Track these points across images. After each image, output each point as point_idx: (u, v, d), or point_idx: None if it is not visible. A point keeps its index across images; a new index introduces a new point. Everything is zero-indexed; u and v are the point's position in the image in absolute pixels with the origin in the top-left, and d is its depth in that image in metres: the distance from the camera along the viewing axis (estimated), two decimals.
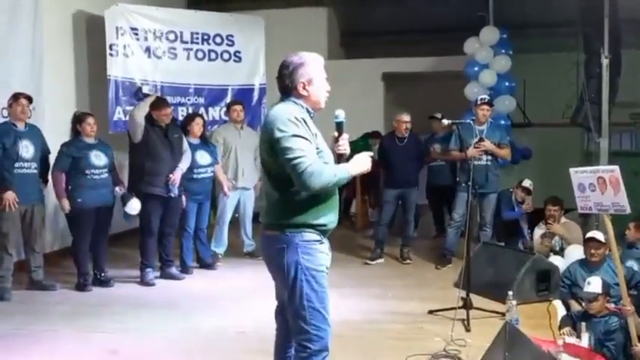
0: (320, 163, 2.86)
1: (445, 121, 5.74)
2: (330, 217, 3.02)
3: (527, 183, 7.70)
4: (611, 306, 4.65)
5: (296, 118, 2.88)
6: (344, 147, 3.06)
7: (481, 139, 6.67)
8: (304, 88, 3.02)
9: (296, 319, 2.97)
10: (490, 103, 7.00)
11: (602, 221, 4.52)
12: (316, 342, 2.94)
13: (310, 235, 2.95)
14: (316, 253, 2.97)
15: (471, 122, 6.65)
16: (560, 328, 4.78)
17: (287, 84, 3.04)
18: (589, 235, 5.40)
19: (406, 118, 7.25)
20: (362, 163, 3.03)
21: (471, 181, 5.61)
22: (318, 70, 3.06)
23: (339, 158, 3.09)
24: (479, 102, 6.99)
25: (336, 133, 3.10)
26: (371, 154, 3.13)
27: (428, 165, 8.66)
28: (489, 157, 6.84)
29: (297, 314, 2.96)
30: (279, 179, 2.95)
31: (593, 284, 4.57)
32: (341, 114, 3.10)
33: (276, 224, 2.98)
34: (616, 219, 4.23)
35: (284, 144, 2.83)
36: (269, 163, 2.99)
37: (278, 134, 2.85)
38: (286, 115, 2.89)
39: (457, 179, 7.04)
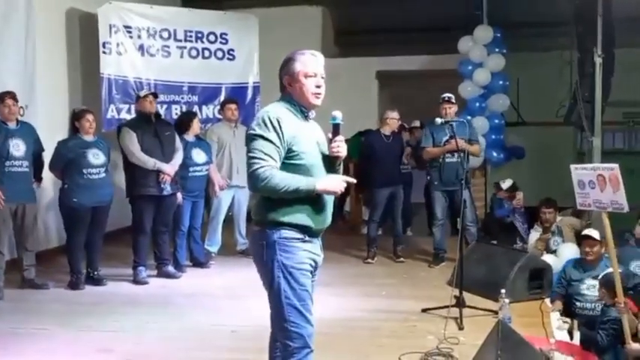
0: (273, 168, 2.87)
1: (438, 120, 5.76)
2: (314, 220, 2.99)
3: (503, 184, 7.77)
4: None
5: (270, 118, 2.91)
6: (337, 149, 3.02)
7: (452, 137, 6.66)
8: (290, 84, 3.03)
9: (275, 316, 2.99)
10: (451, 101, 6.94)
11: (597, 219, 4.53)
12: (296, 339, 2.94)
13: (289, 233, 2.94)
14: (296, 250, 2.95)
15: (465, 121, 6.67)
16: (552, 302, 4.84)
17: (279, 81, 3.08)
18: (584, 232, 5.37)
19: (396, 115, 7.27)
20: (334, 184, 2.98)
21: (463, 178, 5.66)
22: (306, 65, 3.00)
23: (334, 160, 3.06)
24: (440, 100, 6.93)
25: (330, 135, 3.05)
26: (351, 179, 3.09)
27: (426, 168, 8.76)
28: (460, 154, 6.82)
29: (275, 311, 2.98)
30: None
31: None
32: (338, 115, 3.04)
33: (259, 221, 3.01)
34: (618, 216, 4.21)
35: (249, 143, 2.93)
36: None
37: (249, 132, 2.96)
38: (262, 115, 2.95)
39: (428, 178, 7.07)
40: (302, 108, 3.04)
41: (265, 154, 2.87)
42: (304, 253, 2.98)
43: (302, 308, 2.94)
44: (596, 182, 4.06)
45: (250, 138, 2.93)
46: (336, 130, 3.05)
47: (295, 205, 2.93)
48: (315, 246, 3.05)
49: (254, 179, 2.87)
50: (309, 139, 3.01)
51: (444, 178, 6.75)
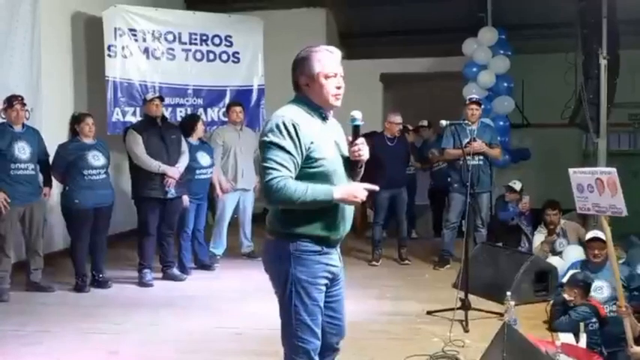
0: (287, 178, 2.70)
1: (443, 122, 5.75)
2: (333, 230, 2.86)
3: (511, 183, 7.77)
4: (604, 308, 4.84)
5: (285, 124, 2.72)
6: (359, 152, 2.87)
7: (473, 139, 6.67)
8: (307, 85, 2.85)
9: (283, 328, 2.91)
10: (479, 103, 6.99)
11: (600, 222, 4.52)
12: (302, 354, 2.86)
13: (306, 246, 2.81)
14: (312, 264, 2.82)
15: (469, 122, 6.69)
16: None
17: (293, 80, 2.90)
18: (592, 235, 5.34)
19: (399, 119, 7.26)
20: (354, 193, 2.78)
21: (468, 181, 5.66)
22: (326, 65, 2.83)
23: (354, 165, 2.94)
24: (467, 101, 6.99)
25: (350, 137, 2.90)
26: (373, 187, 2.87)
27: (430, 170, 8.78)
28: (481, 157, 6.84)
29: (284, 324, 2.90)
30: None
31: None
32: (358, 116, 2.90)
33: (273, 230, 2.88)
34: (620, 219, 4.21)
35: (263, 151, 2.76)
36: None
37: (263, 138, 2.77)
38: (276, 121, 2.75)
39: (449, 180, 7.06)
40: (320, 109, 2.88)
41: (279, 163, 2.69)
42: (320, 266, 2.84)
43: (312, 324, 2.85)
44: (594, 186, 4.04)
45: (264, 146, 2.74)
46: (356, 131, 2.90)
47: (313, 214, 2.79)
48: (333, 257, 2.92)
49: (267, 190, 2.70)
50: (328, 142, 2.84)
51: (465, 180, 6.72)
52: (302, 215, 2.79)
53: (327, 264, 2.88)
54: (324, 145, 2.81)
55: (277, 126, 2.73)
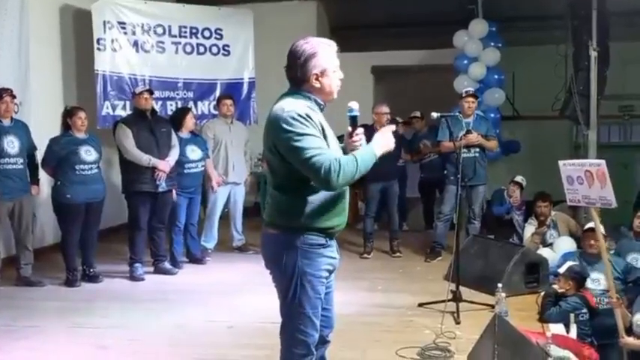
0: (338, 156, 2.71)
1: (434, 114, 5.74)
2: (337, 220, 2.88)
3: (518, 178, 7.80)
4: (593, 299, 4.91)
5: (299, 115, 2.68)
6: (359, 142, 2.86)
7: (468, 132, 6.68)
8: (317, 79, 2.82)
9: (284, 321, 2.91)
10: (475, 95, 7.01)
11: (590, 214, 4.55)
12: (302, 346, 2.87)
13: (313, 239, 2.80)
14: (317, 257, 2.82)
15: (459, 115, 6.68)
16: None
17: (297, 75, 2.83)
18: (589, 226, 5.36)
19: (385, 109, 7.21)
20: (385, 140, 2.85)
21: (460, 173, 5.66)
22: (331, 59, 2.85)
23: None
24: (464, 94, 7.01)
25: (349, 128, 2.90)
26: (392, 127, 2.94)
27: (420, 162, 8.78)
28: (477, 150, 6.86)
29: (286, 317, 2.90)
30: (281, 180, 2.83)
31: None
32: (355, 106, 2.90)
33: (276, 224, 2.86)
34: (614, 210, 4.22)
35: (293, 144, 2.66)
36: (272, 162, 2.85)
37: (284, 135, 2.68)
38: (289, 113, 2.69)
39: (445, 172, 7.06)
40: (320, 102, 2.87)
41: (318, 148, 2.66)
42: (324, 259, 2.85)
43: (313, 317, 2.86)
44: (584, 178, 4.06)
45: (292, 141, 2.66)
46: (354, 122, 2.90)
47: (318, 206, 2.79)
48: (333, 249, 2.93)
49: (327, 178, 2.63)
50: (330, 133, 2.87)
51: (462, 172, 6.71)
52: (307, 207, 2.78)
53: (329, 257, 2.89)
54: (328, 135, 2.84)
55: (294, 118, 2.69)
